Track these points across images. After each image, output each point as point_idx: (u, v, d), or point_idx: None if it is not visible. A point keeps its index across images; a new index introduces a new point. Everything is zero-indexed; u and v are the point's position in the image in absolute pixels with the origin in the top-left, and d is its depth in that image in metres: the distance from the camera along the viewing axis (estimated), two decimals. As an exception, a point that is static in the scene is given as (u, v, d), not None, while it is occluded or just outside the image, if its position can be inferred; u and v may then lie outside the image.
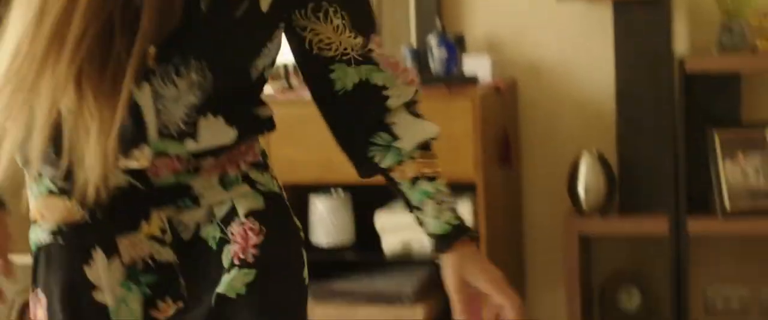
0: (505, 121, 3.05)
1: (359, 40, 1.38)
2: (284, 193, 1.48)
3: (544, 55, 3.14)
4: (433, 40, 3.06)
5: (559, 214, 3.09)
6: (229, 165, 1.40)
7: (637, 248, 3.18)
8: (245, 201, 1.40)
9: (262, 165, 1.45)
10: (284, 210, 1.45)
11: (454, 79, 2.99)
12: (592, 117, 3.12)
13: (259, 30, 1.34)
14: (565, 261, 2.94)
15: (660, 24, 2.86)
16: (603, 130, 3.10)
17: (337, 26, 1.37)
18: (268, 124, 1.43)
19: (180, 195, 1.38)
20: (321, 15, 1.37)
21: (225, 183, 1.40)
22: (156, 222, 1.38)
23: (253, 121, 1.40)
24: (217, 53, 1.30)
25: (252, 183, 1.42)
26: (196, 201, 1.38)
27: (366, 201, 3.06)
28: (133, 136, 1.30)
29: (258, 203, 1.41)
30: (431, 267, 2.98)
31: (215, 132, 1.34)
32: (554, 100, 3.15)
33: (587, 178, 2.92)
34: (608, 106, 3.07)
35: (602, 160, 2.94)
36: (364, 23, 1.40)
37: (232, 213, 1.39)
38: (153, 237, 1.38)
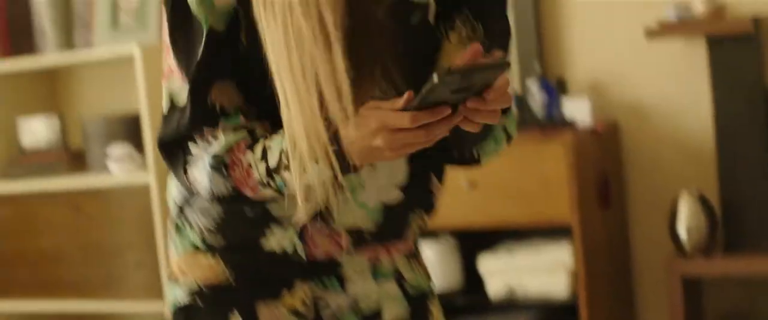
0: (605, 162, 3.06)
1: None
2: (434, 284, 1.50)
3: (644, 96, 3.13)
4: (533, 84, 3.10)
5: (664, 256, 3.07)
6: (382, 252, 1.43)
7: (749, 289, 3.12)
8: (392, 306, 1.43)
9: (415, 255, 1.48)
10: (428, 315, 1.48)
11: (552, 123, 3.02)
12: (692, 155, 3.09)
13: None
14: (669, 304, 2.92)
15: (755, 58, 2.82)
16: (704, 169, 3.07)
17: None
18: (432, 202, 1.46)
19: (328, 272, 1.40)
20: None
21: (376, 273, 1.43)
22: (300, 294, 1.39)
23: (423, 189, 1.44)
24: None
25: (401, 282, 1.45)
26: (343, 284, 1.40)
27: (470, 245, 3.11)
28: None
29: (403, 311, 1.44)
30: (536, 311, 3.00)
31: (392, 164, 1.39)
32: (655, 140, 3.14)
33: (688, 218, 2.89)
34: (708, 144, 3.04)
35: (702, 200, 2.90)
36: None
37: (376, 317, 1.42)
38: (294, 311, 1.39)
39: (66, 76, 3.75)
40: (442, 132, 1.22)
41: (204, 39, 1.32)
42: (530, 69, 3.16)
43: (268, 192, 1.32)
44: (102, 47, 3.41)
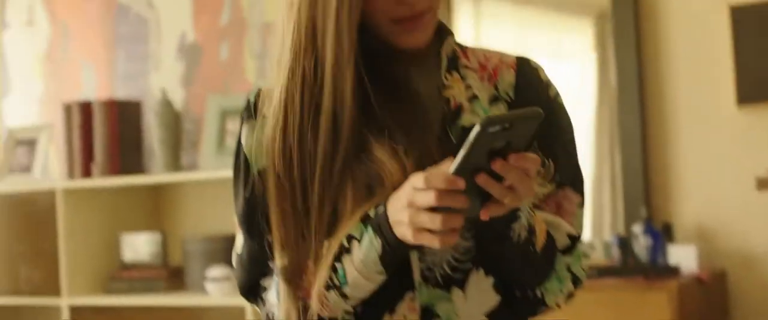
0: (711, 312, 2.96)
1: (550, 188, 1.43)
2: None
3: (752, 245, 3.05)
4: (638, 229, 3.04)
5: None
6: None
7: None
8: None
9: None
10: None
11: (656, 269, 2.94)
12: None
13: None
14: None
15: None
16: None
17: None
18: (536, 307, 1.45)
19: None
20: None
21: None
22: None
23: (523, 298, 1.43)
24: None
25: None
26: None
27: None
28: (397, 279, 1.35)
29: None
30: None
31: (482, 292, 1.38)
32: (763, 290, 3.03)
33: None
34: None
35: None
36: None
37: None
38: None
39: (171, 194, 3.80)
40: (458, 220, 1.23)
41: (253, 181, 1.43)
42: (636, 213, 3.10)
43: (333, 297, 1.35)
44: (207, 169, 3.45)
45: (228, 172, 3.33)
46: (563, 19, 3.37)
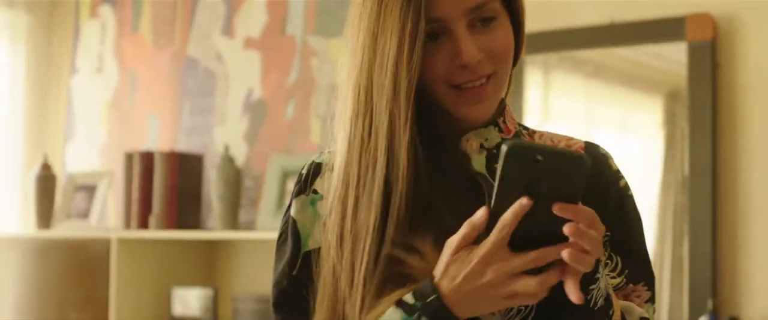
0: None
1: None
2: None
3: (825, 349, 2.93)
4: (703, 321, 2.94)
5: None
6: None
7: None
8: None
9: None
10: None
11: (722, 365, 2.84)
12: None
13: None
14: None
15: None
16: None
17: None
18: None
19: None
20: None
21: None
22: None
23: None
24: None
25: None
26: None
27: None
28: None
29: None
30: None
31: None
32: None
33: None
34: None
35: None
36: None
37: None
38: None
39: (226, 251, 3.76)
40: (551, 254, 1.16)
41: (302, 258, 1.39)
42: (702, 306, 3.00)
43: None
44: (265, 229, 3.42)
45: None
46: (633, 95, 3.33)
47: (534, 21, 3.04)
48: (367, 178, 1.32)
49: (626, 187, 1.43)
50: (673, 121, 3.17)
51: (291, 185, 3.42)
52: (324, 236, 1.35)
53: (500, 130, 1.41)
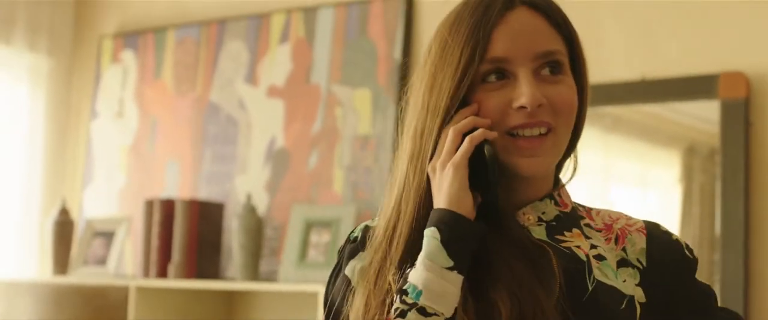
0: None
1: None
2: None
3: None
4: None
5: None
6: None
7: None
8: None
9: None
10: None
11: None
12: None
13: None
14: None
15: None
16: None
17: None
18: None
19: None
20: None
21: None
22: None
23: None
24: None
25: None
26: None
27: None
28: None
29: None
30: None
31: None
32: None
33: None
34: None
35: None
36: None
37: None
38: None
39: (246, 302, 3.72)
40: None
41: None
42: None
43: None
44: (287, 280, 3.37)
45: (307, 286, 3.26)
46: (651, 149, 3.31)
47: (564, 75, 3.01)
48: (414, 242, 1.30)
49: (696, 265, 1.41)
50: (690, 176, 3.15)
51: (314, 237, 3.39)
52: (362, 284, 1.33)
53: (557, 204, 1.38)
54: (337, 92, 3.58)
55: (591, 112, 3.44)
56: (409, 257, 1.28)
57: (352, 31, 3.58)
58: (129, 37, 4.14)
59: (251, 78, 3.79)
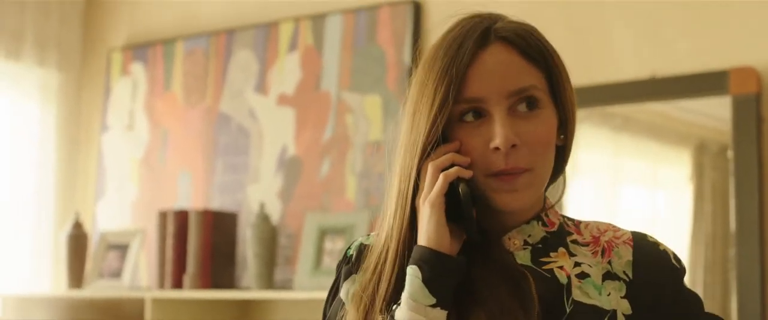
0: None
1: None
2: None
3: None
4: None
5: None
6: None
7: None
8: None
9: None
10: None
11: None
12: None
13: None
14: None
15: None
16: None
17: None
18: None
19: None
20: None
21: None
22: None
23: None
24: None
25: None
26: None
27: None
28: None
29: None
30: None
31: None
32: None
33: None
34: None
35: None
36: None
37: None
38: None
39: (262, 311, 3.72)
40: None
41: None
42: (752, 362, 2.94)
43: None
44: (302, 288, 3.38)
45: (323, 293, 3.25)
46: (661, 148, 3.30)
47: (574, 76, 3.01)
48: (386, 256, 1.36)
49: (684, 275, 1.42)
50: (701, 173, 3.15)
51: (328, 244, 3.39)
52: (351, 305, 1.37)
53: (544, 224, 1.39)
54: (347, 99, 3.58)
55: (600, 111, 3.46)
56: (396, 295, 1.31)
57: (360, 37, 3.58)
58: (138, 50, 4.15)
59: (261, 87, 3.80)
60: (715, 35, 3.04)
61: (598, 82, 3.15)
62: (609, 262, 1.37)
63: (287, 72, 3.74)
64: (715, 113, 3.07)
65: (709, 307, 1.43)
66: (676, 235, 3.13)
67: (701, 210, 3.13)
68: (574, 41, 3.19)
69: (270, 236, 3.48)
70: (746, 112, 2.95)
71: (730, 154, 3.01)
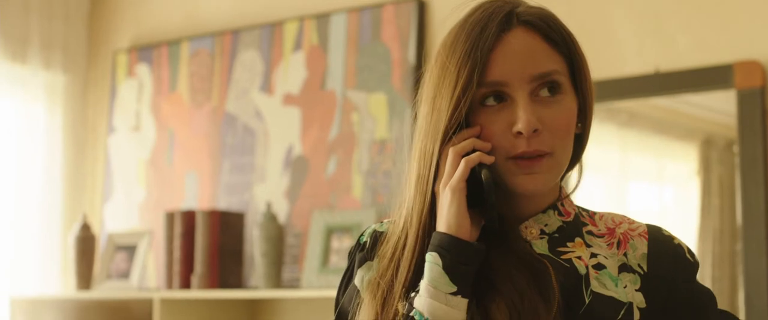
0: None
1: None
2: None
3: None
4: (762, 373, 2.88)
5: None
6: None
7: None
8: None
9: None
10: None
11: None
12: None
13: None
14: None
15: None
16: None
17: None
18: None
19: None
20: None
21: None
22: None
23: None
24: None
25: None
26: None
27: None
28: None
29: None
30: None
31: None
32: None
33: None
34: None
35: None
36: None
37: None
38: None
39: (270, 310, 3.73)
40: None
41: None
42: (760, 356, 2.94)
43: None
44: (310, 287, 3.38)
45: (330, 291, 3.26)
46: (667, 143, 3.30)
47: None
48: (405, 242, 1.34)
49: (695, 271, 1.41)
50: (708, 168, 3.14)
51: (336, 242, 3.39)
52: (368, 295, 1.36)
53: (560, 214, 1.38)
54: (352, 98, 3.59)
55: (606, 107, 3.46)
56: (415, 282, 1.30)
57: (365, 36, 3.59)
58: (143, 51, 4.16)
59: (266, 87, 3.80)
60: (719, 29, 3.04)
61: (602, 77, 3.14)
62: (625, 254, 1.37)
63: (292, 71, 3.74)
64: (721, 107, 3.06)
65: (732, 302, 1.44)
66: (683, 230, 3.12)
67: (708, 205, 3.13)
68: (576, 36, 3.18)
69: (277, 235, 3.49)
70: (751, 105, 2.95)
71: (736, 148, 3.00)
